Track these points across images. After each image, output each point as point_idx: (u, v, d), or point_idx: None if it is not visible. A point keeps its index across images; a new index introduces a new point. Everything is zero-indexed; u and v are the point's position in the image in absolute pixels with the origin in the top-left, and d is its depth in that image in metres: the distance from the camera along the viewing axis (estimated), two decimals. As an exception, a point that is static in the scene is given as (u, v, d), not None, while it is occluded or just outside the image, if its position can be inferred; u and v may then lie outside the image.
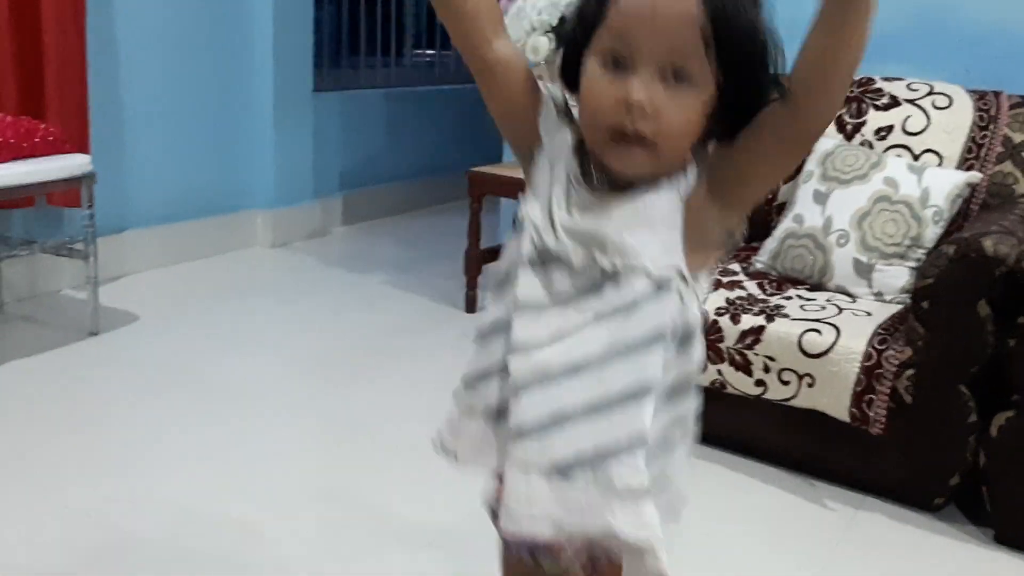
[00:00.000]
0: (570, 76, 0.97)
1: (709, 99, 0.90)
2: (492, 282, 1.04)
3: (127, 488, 2.11)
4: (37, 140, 2.85)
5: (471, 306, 3.46)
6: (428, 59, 5.60)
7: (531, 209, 0.97)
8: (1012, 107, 2.58)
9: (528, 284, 0.95)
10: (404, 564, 1.88)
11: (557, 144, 0.99)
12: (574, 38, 0.95)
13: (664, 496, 0.98)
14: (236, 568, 1.84)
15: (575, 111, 0.98)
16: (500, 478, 1.03)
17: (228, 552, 1.89)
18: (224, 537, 1.94)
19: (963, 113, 2.58)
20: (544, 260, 0.95)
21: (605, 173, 0.95)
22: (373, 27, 5.05)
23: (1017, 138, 2.52)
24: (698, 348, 0.98)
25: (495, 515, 1.05)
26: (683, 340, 0.97)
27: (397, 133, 5.04)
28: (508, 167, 3.43)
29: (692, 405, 1.01)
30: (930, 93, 2.65)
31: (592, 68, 0.92)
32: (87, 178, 2.96)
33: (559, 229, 0.94)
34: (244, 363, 2.87)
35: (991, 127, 2.55)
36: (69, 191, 3.12)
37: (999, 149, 2.52)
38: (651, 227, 0.92)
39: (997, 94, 2.61)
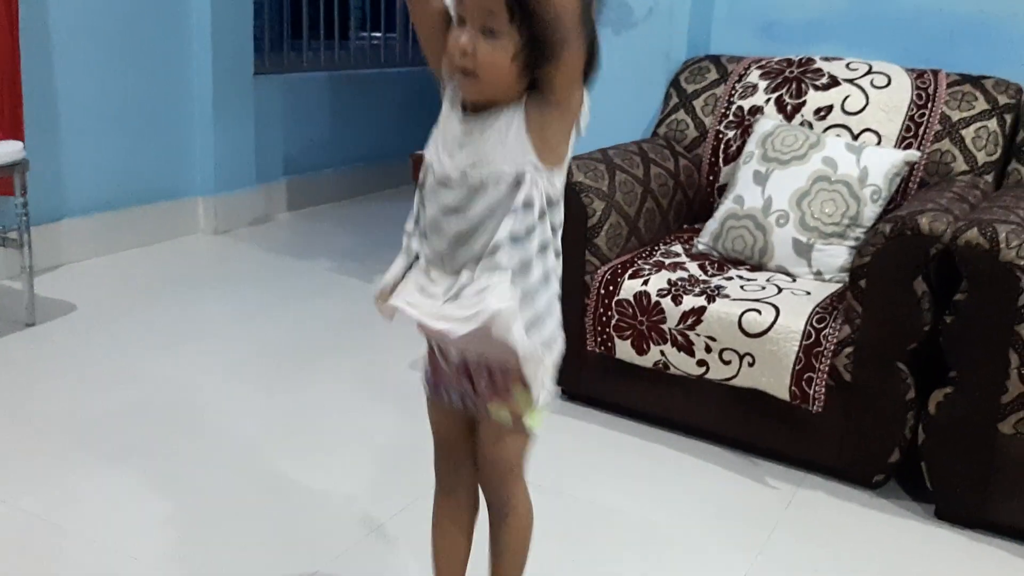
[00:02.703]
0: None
1: (515, 49, 1.24)
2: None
3: (62, 483, 2.06)
4: (-34, 127, 2.77)
5: (418, 291, 3.42)
6: (374, 42, 5.53)
7: (430, 147, 1.36)
8: (950, 85, 2.60)
9: (435, 201, 1.33)
10: (348, 558, 1.86)
11: (445, 103, 1.36)
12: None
13: (528, 312, 1.31)
14: (175, 567, 1.80)
15: None
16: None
17: (167, 551, 1.85)
18: (163, 536, 1.90)
19: (901, 92, 2.60)
20: (440, 182, 1.33)
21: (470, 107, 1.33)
22: (316, 9, 4.97)
23: (955, 116, 2.55)
24: (558, 213, 1.35)
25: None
26: (548, 206, 1.32)
27: (342, 117, 4.97)
28: (452, 150, 3.39)
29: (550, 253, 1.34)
30: (869, 72, 2.66)
31: (452, 29, 1.29)
32: (20, 166, 2.88)
33: (446, 161, 1.32)
34: (185, 355, 2.82)
35: (929, 105, 2.57)
36: (2, 179, 3.03)
37: (937, 127, 2.55)
38: (503, 142, 1.29)
39: (935, 72, 2.63)
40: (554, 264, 1.34)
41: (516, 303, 1.28)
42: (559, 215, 1.35)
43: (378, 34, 5.54)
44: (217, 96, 4.05)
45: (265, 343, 2.96)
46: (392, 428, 2.41)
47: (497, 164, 1.28)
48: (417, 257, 1.41)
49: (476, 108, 1.32)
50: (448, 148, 1.33)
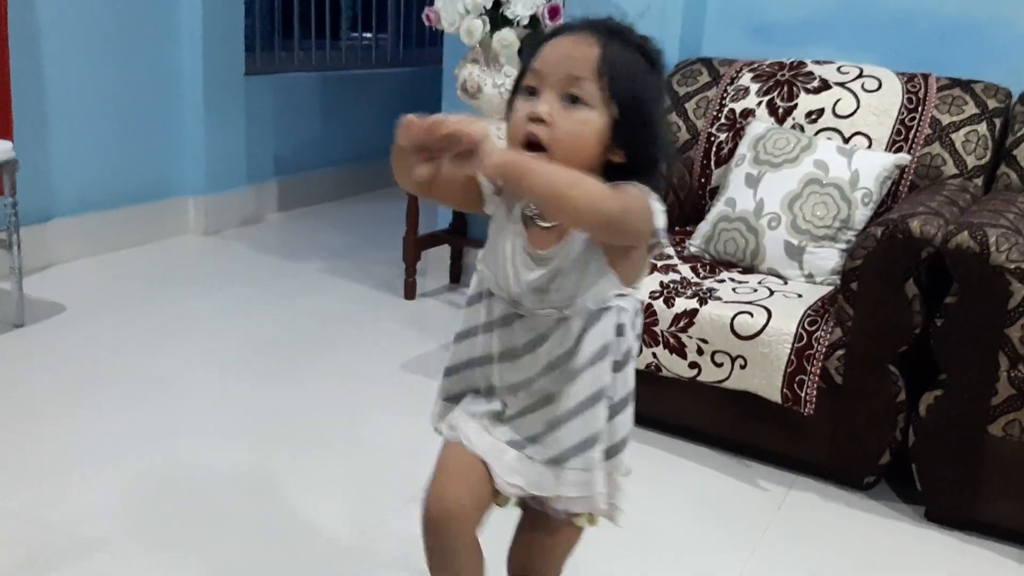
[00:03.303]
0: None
1: (602, 125, 1.12)
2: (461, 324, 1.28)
3: (54, 486, 2.05)
4: (-46, 127, 2.75)
5: (410, 293, 3.43)
6: (365, 42, 5.52)
7: (489, 280, 1.23)
8: (940, 89, 2.61)
9: (502, 337, 1.21)
10: (331, 563, 1.86)
11: (498, 218, 1.23)
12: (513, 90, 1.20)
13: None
14: (164, 567, 1.80)
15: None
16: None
17: (157, 551, 1.85)
18: (152, 535, 1.89)
19: (892, 96, 2.61)
20: (509, 319, 1.21)
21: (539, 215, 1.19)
22: (307, 9, 4.96)
23: (945, 120, 2.56)
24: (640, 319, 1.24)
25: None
26: (635, 316, 1.22)
27: (333, 117, 4.96)
28: (444, 151, 3.39)
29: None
30: (860, 76, 2.67)
31: (516, 102, 1.17)
32: (9, 165, 2.86)
33: (516, 293, 1.19)
34: (175, 355, 2.81)
35: (920, 109, 2.59)
36: (-10, 179, 3.02)
37: (927, 131, 2.56)
38: (583, 265, 1.15)
39: (925, 76, 2.65)
40: (632, 376, 1.24)
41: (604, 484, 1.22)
42: (641, 320, 1.25)
43: (369, 34, 5.54)
44: (208, 96, 4.04)
45: (256, 342, 2.95)
46: (383, 428, 2.41)
47: (578, 298, 1.15)
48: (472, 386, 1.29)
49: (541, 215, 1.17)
50: (514, 267, 1.18)
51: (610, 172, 1.15)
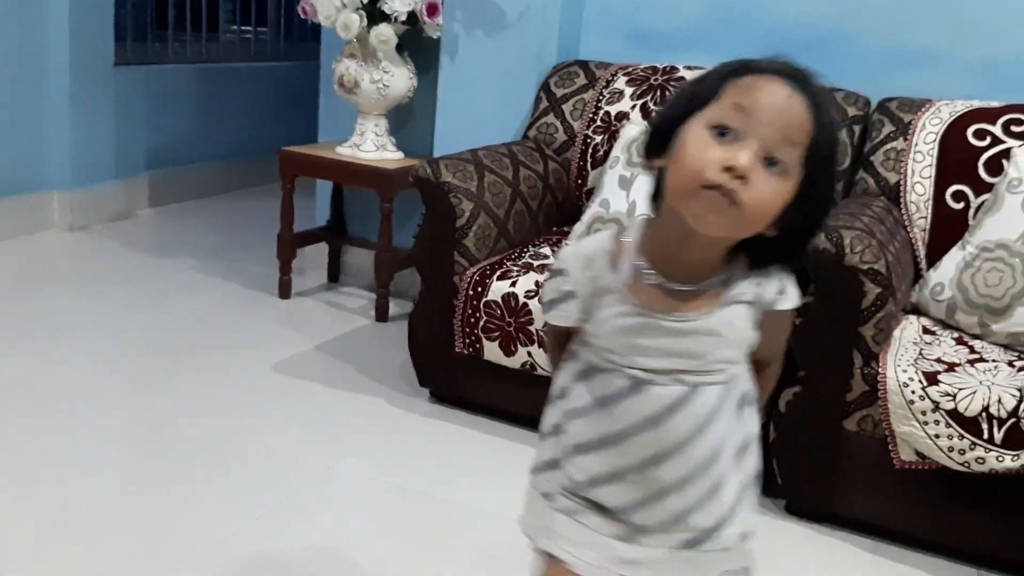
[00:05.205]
0: (657, 144, 1.06)
1: (789, 195, 1.00)
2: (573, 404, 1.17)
3: None
4: None
5: (285, 292, 3.36)
6: (244, 35, 5.40)
7: (600, 350, 1.11)
8: (804, 97, 2.70)
9: (629, 409, 1.09)
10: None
11: (604, 308, 1.10)
12: (680, 112, 1.03)
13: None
14: (13, 576, 1.72)
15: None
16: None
17: (22, 566, 1.76)
18: (16, 549, 1.81)
19: (759, 102, 2.69)
20: (635, 387, 1.09)
21: (676, 278, 1.07)
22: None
23: (808, 127, 2.65)
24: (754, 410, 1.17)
25: None
26: (745, 403, 1.15)
27: (209, 111, 4.83)
28: (323, 147, 3.35)
29: (754, 462, 1.19)
30: (729, 82, 2.75)
31: (696, 130, 1.00)
32: None
33: (645, 361, 1.08)
34: (37, 360, 2.68)
35: (785, 116, 2.67)
36: None
37: (792, 137, 2.64)
38: (728, 337, 1.08)
39: (791, 84, 2.73)
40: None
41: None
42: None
43: (248, 27, 5.42)
44: (74, 86, 3.87)
45: (125, 344, 2.84)
46: (253, 433, 2.36)
47: (722, 352, 1.08)
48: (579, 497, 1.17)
49: (687, 269, 1.06)
50: (646, 331, 1.07)
51: (750, 244, 1.04)
